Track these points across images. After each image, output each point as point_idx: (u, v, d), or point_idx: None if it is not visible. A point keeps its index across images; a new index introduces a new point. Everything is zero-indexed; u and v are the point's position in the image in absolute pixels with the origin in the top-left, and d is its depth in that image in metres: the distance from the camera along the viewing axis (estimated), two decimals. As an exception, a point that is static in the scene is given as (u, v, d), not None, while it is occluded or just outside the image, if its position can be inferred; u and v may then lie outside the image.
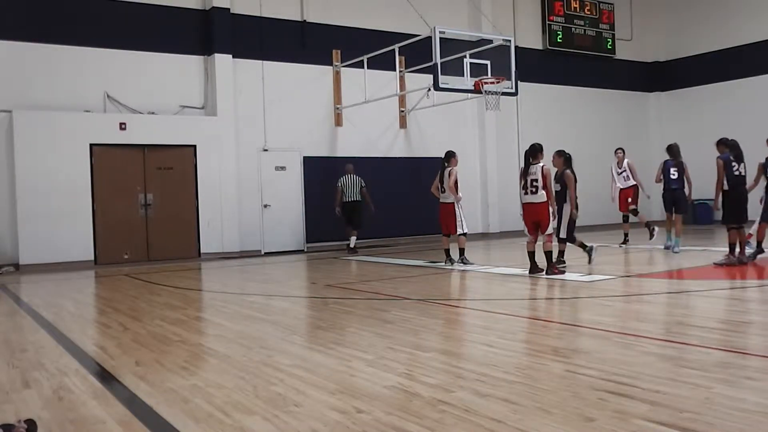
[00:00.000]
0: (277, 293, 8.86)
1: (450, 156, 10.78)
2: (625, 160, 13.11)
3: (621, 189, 13.14)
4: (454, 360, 4.79)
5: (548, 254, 9.12)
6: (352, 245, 14.57)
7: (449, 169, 10.62)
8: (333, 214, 15.77)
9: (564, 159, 9.80)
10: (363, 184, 14.73)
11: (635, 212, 13.10)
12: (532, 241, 9.33)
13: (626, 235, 13.14)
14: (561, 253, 9.76)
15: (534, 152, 9.20)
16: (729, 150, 9.53)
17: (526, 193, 9.23)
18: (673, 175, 11.48)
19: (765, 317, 6.30)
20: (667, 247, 11.86)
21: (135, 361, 4.97)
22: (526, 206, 9.30)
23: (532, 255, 9.32)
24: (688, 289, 8.23)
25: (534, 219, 9.20)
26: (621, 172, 13.10)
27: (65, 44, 13.32)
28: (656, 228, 12.68)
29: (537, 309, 7.32)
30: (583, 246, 10.05)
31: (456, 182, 10.60)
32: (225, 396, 3.95)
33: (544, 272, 9.08)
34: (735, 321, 6.13)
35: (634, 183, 12.98)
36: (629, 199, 12.98)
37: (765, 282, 8.41)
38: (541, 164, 9.11)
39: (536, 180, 9.08)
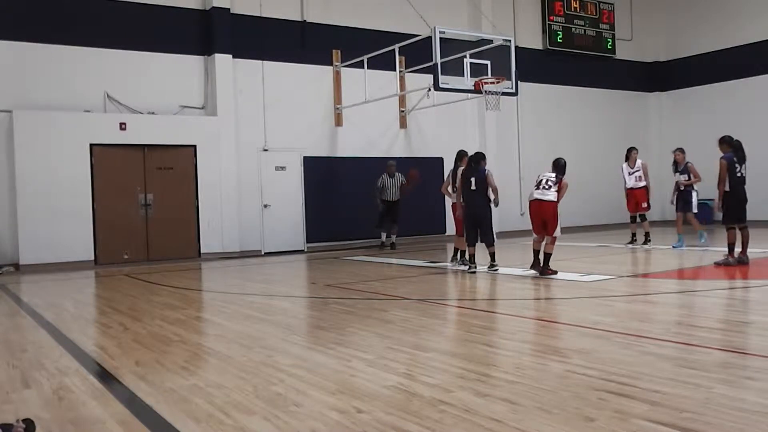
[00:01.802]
0: (277, 293, 8.86)
1: (462, 155, 10.66)
2: (639, 160, 13.04)
3: (631, 189, 13.03)
4: (454, 360, 4.79)
5: (547, 256, 9.15)
6: (385, 242, 15.21)
7: (462, 168, 10.54)
8: (333, 213, 15.79)
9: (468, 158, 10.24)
10: (403, 181, 15.14)
11: (644, 218, 13.08)
12: (539, 240, 9.32)
13: (647, 234, 13.02)
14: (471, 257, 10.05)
15: (562, 166, 9.32)
16: (733, 150, 9.50)
17: (537, 188, 9.25)
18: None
19: (765, 317, 6.30)
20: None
21: (135, 361, 4.97)
22: (533, 203, 9.30)
23: (537, 254, 9.31)
24: (688, 289, 8.23)
25: (541, 216, 9.19)
26: (633, 172, 13.01)
27: (65, 44, 13.30)
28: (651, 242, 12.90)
29: (537, 309, 7.31)
30: (470, 258, 10.10)
31: None
32: (225, 396, 3.95)
33: (537, 272, 9.15)
34: (735, 321, 6.13)
35: (645, 184, 12.90)
36: (644, 204, 12.88)
37: (765, 282, 8.41)
38: (562, 176, 9.20)
39: (552, 182, 9.12)
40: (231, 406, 3.76)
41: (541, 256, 9.24)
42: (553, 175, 9.22)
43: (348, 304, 7.51)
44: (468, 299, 8.24)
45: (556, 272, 9.11)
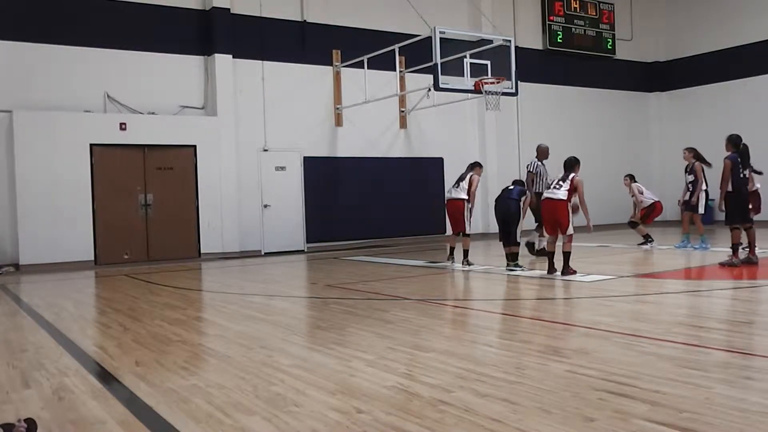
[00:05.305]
0: (277, 293, 8.86)
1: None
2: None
3: None
4: (454, 360, 4.78)
5: (566, 255, 8.99)
6: (539, 246, 11.37)
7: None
8: (333, 213, 15.79)
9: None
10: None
11: (633, 225, 12.93)
12: (552, 242, 9.26)
13: (646, 235, 12.85)
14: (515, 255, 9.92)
15: (571, 165, 9.24)
16: (737, 153, 9.46)
17: (548, 188, 9.25)
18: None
19: (765, 317, 6.30)
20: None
21: (135, 361, 4.97)
22: (544, 202, 9.26)
23: (551, 255, 9.23)
24: (689, 289, 8.23)
25: (551, 215, 9.13)
26: None
27: (65, 44, 13.32)
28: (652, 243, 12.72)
29: (537, 309, 7.31)
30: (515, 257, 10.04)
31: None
32: (225, 396, 3.95)
33: (559, 273, 8.99)
34: (735, 321, 6.13)
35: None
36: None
37: (766, 282, 8.40)
38: (573, 174, 9.12)
39: (562, 181, 9.09)
40: (231, 406, 3.75)
41: (555, 259, 9.11)
42: (566, 178, 9.17)
43: (348, 304, 7.50)
44: (468, 299, 8.24)
45: (575, 272, 8.97)
